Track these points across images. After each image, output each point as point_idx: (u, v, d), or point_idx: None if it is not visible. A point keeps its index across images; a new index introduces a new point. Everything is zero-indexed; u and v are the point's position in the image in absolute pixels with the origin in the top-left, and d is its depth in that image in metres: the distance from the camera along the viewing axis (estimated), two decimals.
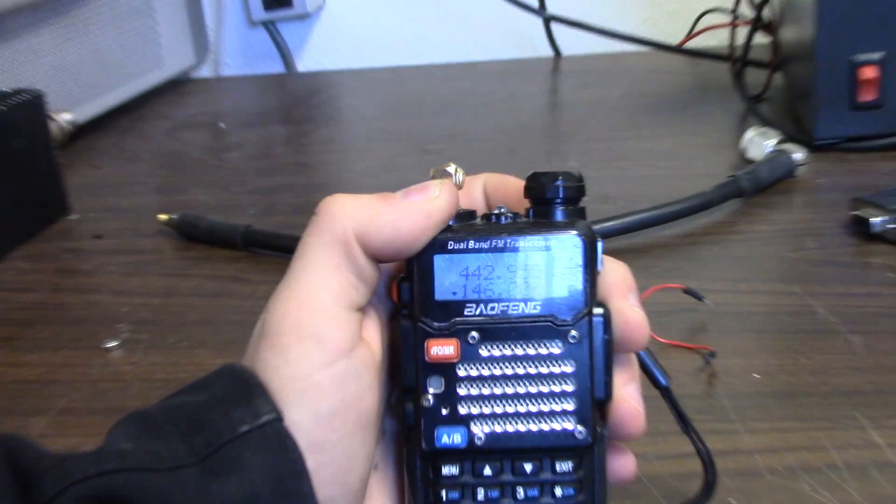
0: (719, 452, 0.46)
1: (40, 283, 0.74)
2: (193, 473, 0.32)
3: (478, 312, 0.36)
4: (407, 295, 0.36)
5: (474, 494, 0.36)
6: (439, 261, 0.36)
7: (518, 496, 0.36)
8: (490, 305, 0.36)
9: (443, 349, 0.36)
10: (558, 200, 0.36)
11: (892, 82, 0.82)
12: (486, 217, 0.37)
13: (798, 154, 0.79)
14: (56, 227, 0.84)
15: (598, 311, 0.36)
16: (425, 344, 0.36)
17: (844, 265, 0.65)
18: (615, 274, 0.37)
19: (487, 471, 0.36)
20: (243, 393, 0.34)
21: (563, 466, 0.36)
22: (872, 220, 0.66)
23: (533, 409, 0.36)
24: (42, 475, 0.32)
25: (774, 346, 0.56)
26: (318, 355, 0.34)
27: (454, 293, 0.36)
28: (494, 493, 0.36)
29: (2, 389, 0.59)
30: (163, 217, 0.79)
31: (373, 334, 0.37)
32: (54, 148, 0.86)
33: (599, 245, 0.36)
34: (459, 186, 0.38)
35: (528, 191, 0.37)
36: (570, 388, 0.36)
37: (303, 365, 0.34)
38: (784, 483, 0.44)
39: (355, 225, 0.35)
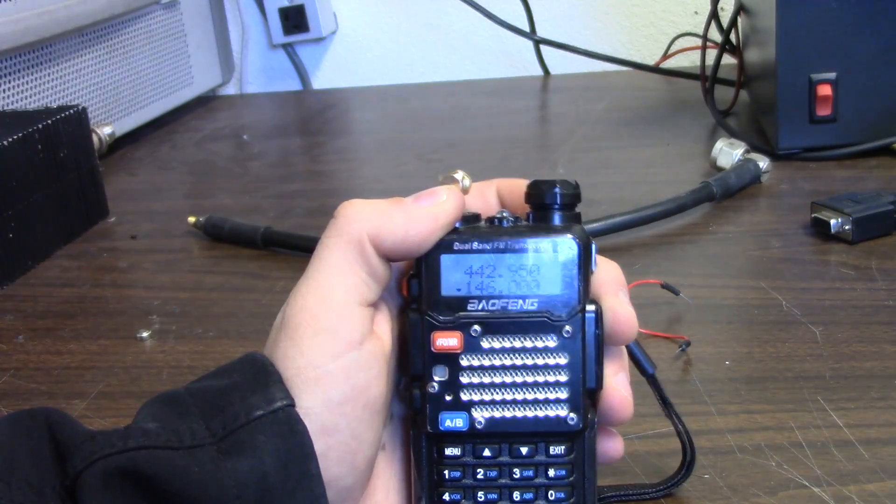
0: (694, 432, 0.46)
1: (81, 278, 0.73)
2: (210, 452, 0.32)
3: (480, 308, 0.35)
4: (416, 290, 0.36)
5: (474, 474, 0.36)
6: (446, 260, 0.36)
7: (514, 476, 0.36)
8: (491, 301, 0.35)
9: (447, 341, 0.35)
10: (556, 206, 0.36)
11: (844, 99, 0.81)
12: (490, 220, 0.37)
13: (763, 162, 0.78)
14: (96, 229, 0.83)
15: (590, 307, 0.35)
16: (431, 336, 0.35)
17: (806, 262, 0.64)
18: (608, 273, 0.37)
19: (487, 452, 0.36)
20: (261, 380, 0.34)
21: (557, 450, 0.36)
22: (832, 221, 0.65)
23: (529, 396, 0.35)
24: (75, 448, 0.32)
25: (743, 336, 0.55)
26: (330, 347, 0.34)
27: (459, 290, 0.35)
28: (493, 473, 0.36)
29: (46, 375, 0.58)
30: (191, 219, 0.79)
31: (384, 327, 0.37)
32: (95, 158, 0.85)
33: (594, 247, 0.36)
34: (465, 191, 0.38)
35: (529, 197, 0.37)
36: (563, 378, 0.35)
37: (316, 355, 0.34)
38: (752, 460, 0.44)
39: (369, 227, 0.35)
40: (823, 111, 0.82)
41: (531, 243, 0.35)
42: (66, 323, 0.65)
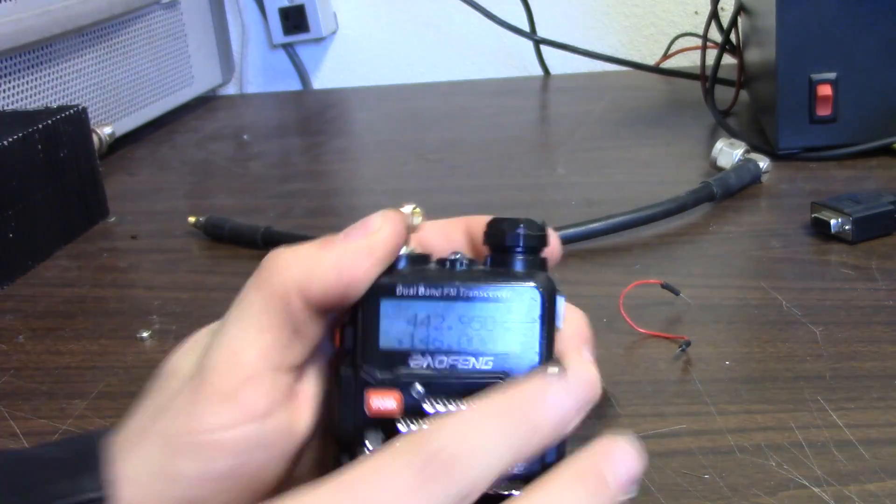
0: (694, 432, 0.46)
1: (81, 279, 0.73)
2: None
3: (425, 365, 0.30)
4: (350, 341, 0.31)
5: None
6: (386, 306, 0.30)
7: None
8: (438, 358, 0.30)
9: (384, 401, 0.30)
10: (518, 249, 0.31)
11: (844, 99, 0.81)
12: (441, 262, 0.32)
13: (763, 162, 0.78)
14: (96, 229, 0.83)
15: (552, 370, 0.29)
16: (366, 395, 0.30)
17: (806, 262, 0.64)
18: (571, 324, 0.32)
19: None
20: (79, 464, 0.30)
21: None
22: (832, 221, 0.65)
23: None
24: None
25: (743, 336, 0.55)
26: (227, 414, 0.30)
27: (400, 341, 0.30)
28: None
29: (46, 374, 0.58)
30: (191, 219, 0.78)
31: (311, 393, 0.32)
32: (95, 158, 0.85)
33: (560, 300, 0.31)
34: (413, 229, 0.33)
35: (487, 237, 0.32)
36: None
37: (208, 420, 0.30)
38: (753, 460, 0.44)
39: (296, 276, 0.30)
40: (823, 111, 0.82)
41: (487, 291, 0.30)
42: (67, 323, 0.65)
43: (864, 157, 0.82)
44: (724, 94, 0.98)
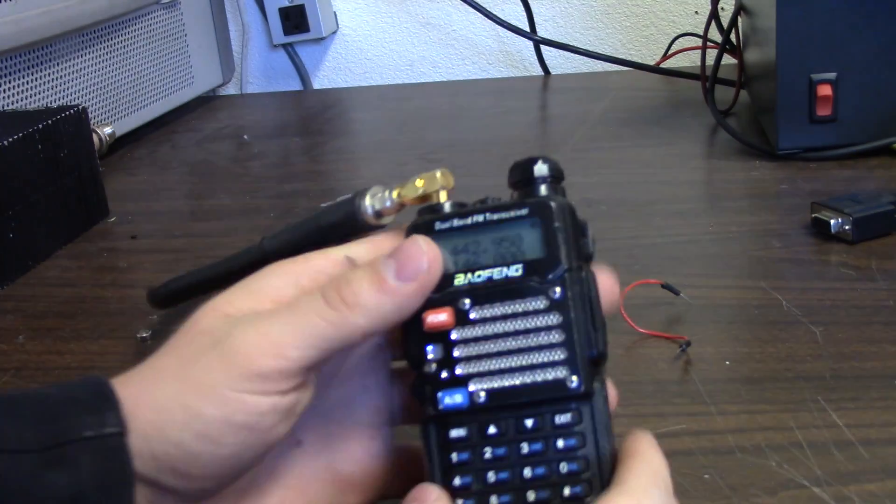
0: (694, 432, 0.46)
1: (81, 278, 0.73)
2: (32, 460, 0.32)
3: (466, 281, 0.35)
4: None
5: (482, 453, 0.34)
6: None
7: (523, 451, 0.34)
8: (476, 273, 0.35)
9: (438, 317, 0.35)
10: (536, 178, 0.36)
11: (844, 99, 0.81)
12: (474, 203, 0.37)
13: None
14: (96, 229, 0.83)
15: (577, 270, 0.35)
16: (422, 315, 0.35)
17: (806, 262, 0.64)
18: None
19: (492, 429, 0.34)
20: (99, 403, 0.33)
21: (562, 418, 0.34)
22: (832, 221, 0.65)
23: (526, 363, 0.34)
24: None
25: (744, 336, 0.55)
26: (255, 385, 0.33)
27: (446, 268, 0.35)
28: (501, 451, 0.34)
29: (46, 375, 0.58)
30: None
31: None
32: (95, 158, 0.85)
33: (587, 229, 0.36)
34: (450, 187, 0.38)
35: (510, 177, 0.37)
36: (557, 339, 0.34)
37: (237, 384, 0.33)
38: (753, 460, 0.44)
39: (363, 325, 0.34)
40: (823, 111, 0.82)
41: (510, 213, 0.35)
42: (67, 323, 0.65)
43: (864, 157, 0.82)
44: (724, 94, 0.98)
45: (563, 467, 0.34)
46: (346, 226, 0.41)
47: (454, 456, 0.35)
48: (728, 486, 0.42)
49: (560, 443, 0.34)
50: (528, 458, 0.34)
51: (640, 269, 0.64)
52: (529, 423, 0.34)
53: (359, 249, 0.37)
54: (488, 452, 0.34)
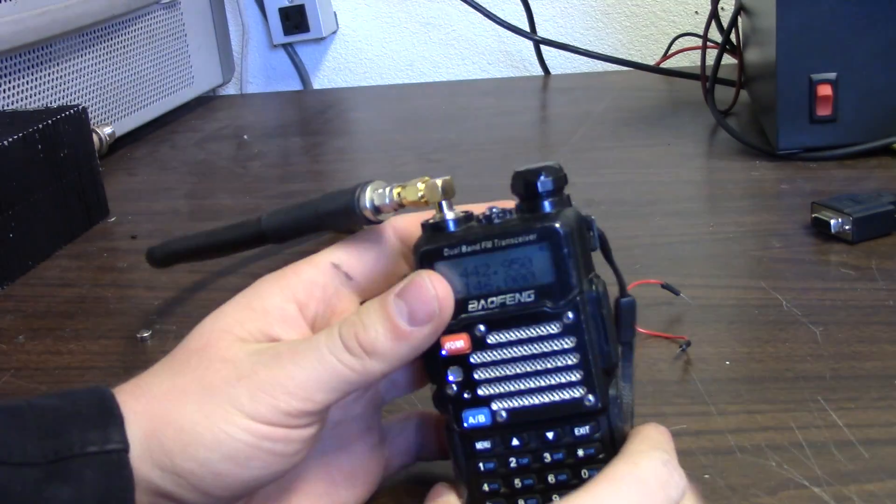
0: (694, 432, 0.46)
1: (81, 278, 0.73)
2: (36, 473, 0.32)
3: (480, 307, 0.36)
4: None
5: (507, 463, 0.37)
6: (440, 267, 0.36)
7: (546, 460, 0.36)
8: (490, 299, 0.36)
9: (455, 343, 0.36)
10: (542, 193, 0.36)
11: (844, 99, 0.81)
12: (479, 219, 0.37)
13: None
14: (96, 229, 0.83)
15: (590, 288, 0.36)
16: (440, 341, 0.36)
17: (806, 262, 0.64)
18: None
19: (515, 441, 0.37)
20: (103, 419, 0.34)
21: (581, 430, 0.36)
22: (832, 221, 0.65)
23: (544, 384, 0.36)
24: None
25: (744, 336, 0.55)
26: (275, 417, 0.35)
27: (458, 292, 0.36)
28: (524, 460, 0.37)
29: (46, 375, 0.58)
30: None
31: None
32: (95, 158, 0.85)
33: (593, 223, 0.37)
34: (453, 194, 0.38)
35: (514, 188, 0.37)
36: (573, 362, 0.36)
37: (261, 414, 0.35)
38: (753, 460, 0.44)
39: (381, 368, 0.35)
40: (823, 111, 0.82)
41: (518, 238, 0.36)
42: (67, 323, 0.65)
43: (864, 157, 0.82)
44: (724, 94, 0.98)
45: (585, 473, 0.36)
46: (343, 216, 0.41)
47: (481, 465, 0.37)
48: (728, 486, 0.42)
49: (580, 451, 0.36)
50: (551, 465, 0.37)
51: (639, 269, 0.64)
52: (550, 435, 0.36)
53: (342, 255, 0.39)
54: (513, 462, 0.37)
